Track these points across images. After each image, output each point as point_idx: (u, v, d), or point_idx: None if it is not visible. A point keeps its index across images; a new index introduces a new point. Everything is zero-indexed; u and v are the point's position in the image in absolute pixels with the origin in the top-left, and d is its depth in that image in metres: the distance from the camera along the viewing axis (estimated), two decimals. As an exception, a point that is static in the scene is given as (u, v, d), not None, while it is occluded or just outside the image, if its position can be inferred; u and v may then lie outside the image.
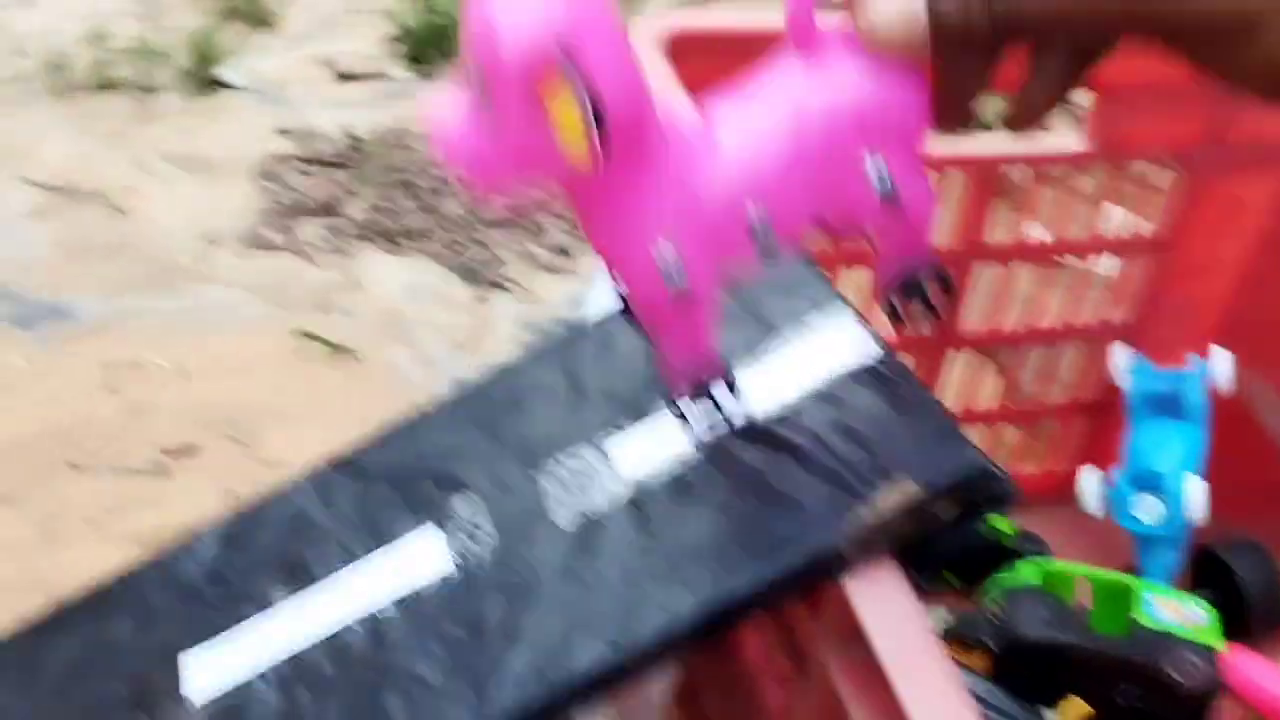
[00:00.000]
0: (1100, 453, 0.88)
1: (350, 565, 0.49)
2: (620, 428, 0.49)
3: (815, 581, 0.43)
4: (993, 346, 0.88)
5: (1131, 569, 0.80)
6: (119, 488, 1.03)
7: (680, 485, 0.46)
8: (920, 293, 0.42)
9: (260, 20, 1.80)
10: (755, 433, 0.46)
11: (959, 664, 0.73)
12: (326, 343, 1.20)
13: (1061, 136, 0.78)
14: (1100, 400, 0.89)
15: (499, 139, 0.33)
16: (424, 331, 1.24)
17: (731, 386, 0.44)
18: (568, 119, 0.32)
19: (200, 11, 1.81)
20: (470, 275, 1.31)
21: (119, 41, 1.71)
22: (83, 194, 1.42)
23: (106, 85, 1.64)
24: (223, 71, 1.67)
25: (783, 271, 0.51)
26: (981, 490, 0.42)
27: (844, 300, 0.49)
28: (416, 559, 0.48)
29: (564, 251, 1.34)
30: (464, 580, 0.47)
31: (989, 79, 0.38)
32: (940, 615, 0.83)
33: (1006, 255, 0.82)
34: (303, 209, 1.42)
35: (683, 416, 0.45)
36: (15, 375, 1.15)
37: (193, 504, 0.54)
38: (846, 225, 0.39)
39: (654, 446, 0.47)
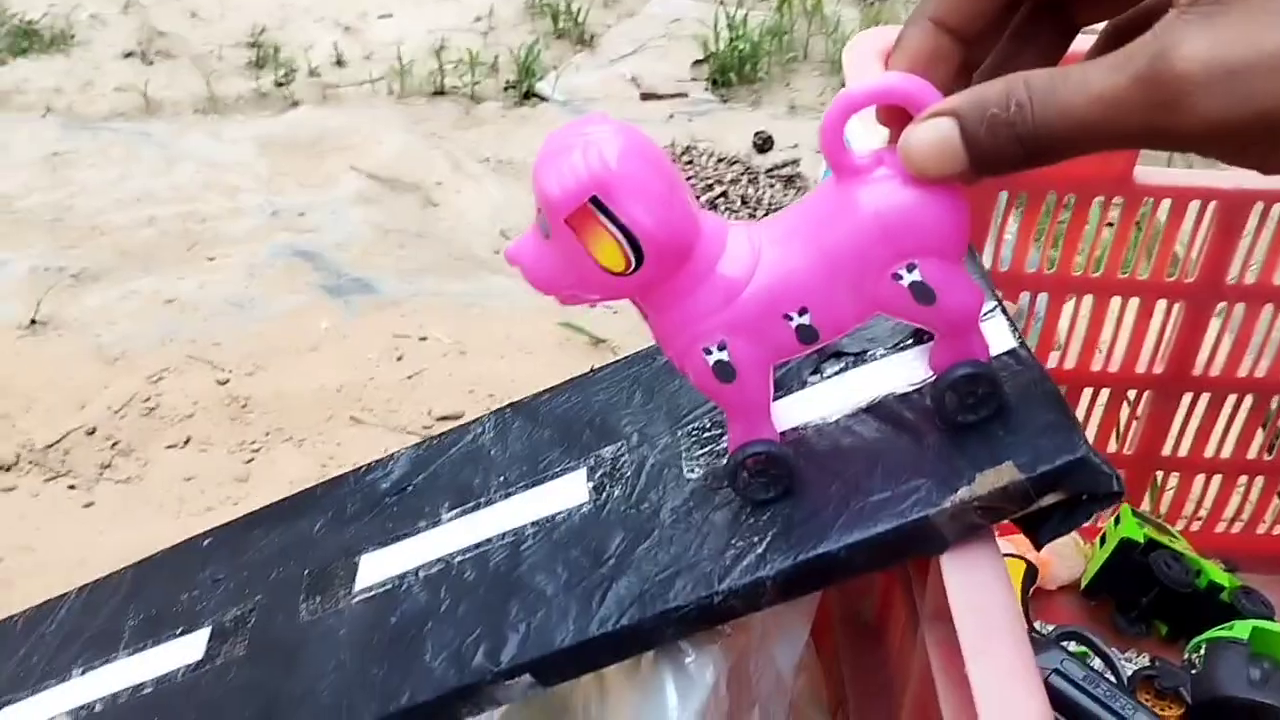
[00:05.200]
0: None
1: (507, 493, 0.54)
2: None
3: (910, 552, 0.44)
4: (1240, 391, 0.83)
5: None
6: (388, 442, 1.14)
7: (803, 451, 0.48)
8: (965, 392, 0.44)
9: (582, 40, 1.93)
10: (881, 410, 0.48)
11: (1150, 711, 0.70)
12: (589, 335, 1.28)
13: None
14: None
15: (557, 260, 0.41)
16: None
17: None
18: (605, 249, 0.39)
19: (532, 31, 1.97)
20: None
21: (457, 54, 1.88)
22: (403, 185, 1.58)
23: (439, 92, 1.81)
24: (540, 85, 1.81)
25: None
26: (1085, 484, 0.42)
27: (993, 292, 0.50)
28: (563, 493, 0.53)
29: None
30: (597, 514, 0.51)
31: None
32: (1140, 661, 0.79)
33: (1252, 296, 0.78)
34: (590, 213, 1.52)
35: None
36: (320, 336, 1.30)
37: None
38: (900, 317, 0.43)
39: (785, 415, 0.49)
